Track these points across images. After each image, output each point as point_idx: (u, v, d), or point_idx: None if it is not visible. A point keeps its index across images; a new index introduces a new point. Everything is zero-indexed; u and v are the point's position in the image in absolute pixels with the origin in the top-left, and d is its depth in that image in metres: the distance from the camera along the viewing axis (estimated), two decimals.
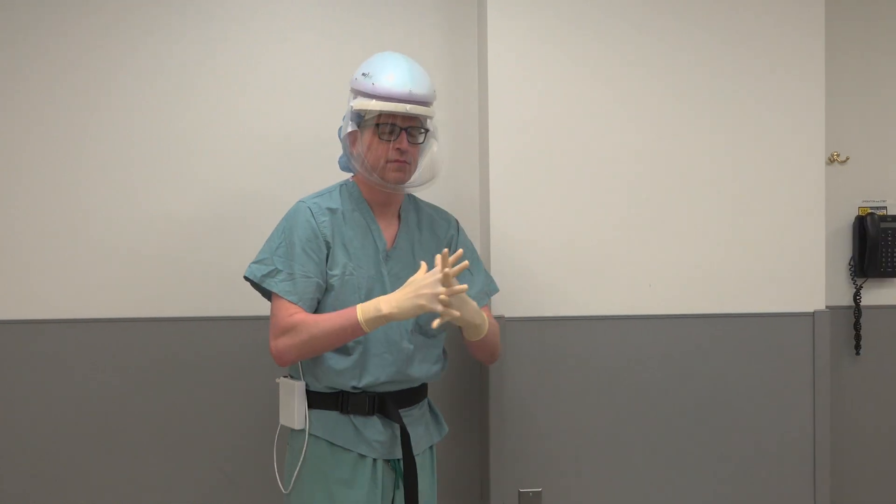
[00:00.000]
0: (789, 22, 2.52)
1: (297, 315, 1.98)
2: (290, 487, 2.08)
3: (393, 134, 2.03)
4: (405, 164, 2.05)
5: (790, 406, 2.52)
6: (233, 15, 2.55)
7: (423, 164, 2.11)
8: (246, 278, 2.06)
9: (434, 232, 2.20)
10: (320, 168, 2.39)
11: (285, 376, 2.13)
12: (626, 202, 2.49)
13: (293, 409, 2.06)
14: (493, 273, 2.42)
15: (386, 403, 2.06)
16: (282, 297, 2.00)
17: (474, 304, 2.02)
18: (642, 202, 2.49)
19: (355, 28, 2.58)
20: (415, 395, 2.13)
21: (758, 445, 2.52)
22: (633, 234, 2.49)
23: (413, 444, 2.08)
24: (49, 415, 2.49)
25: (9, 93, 2.49)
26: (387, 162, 2.03)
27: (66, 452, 2.50)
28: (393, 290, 2.03)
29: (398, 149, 2.03)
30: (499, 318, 2.42)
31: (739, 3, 2.50)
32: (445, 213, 2.28)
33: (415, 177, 2.09)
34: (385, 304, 1.92)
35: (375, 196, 2.11)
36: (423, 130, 2.09)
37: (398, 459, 2.07)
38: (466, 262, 1.93)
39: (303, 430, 2.06)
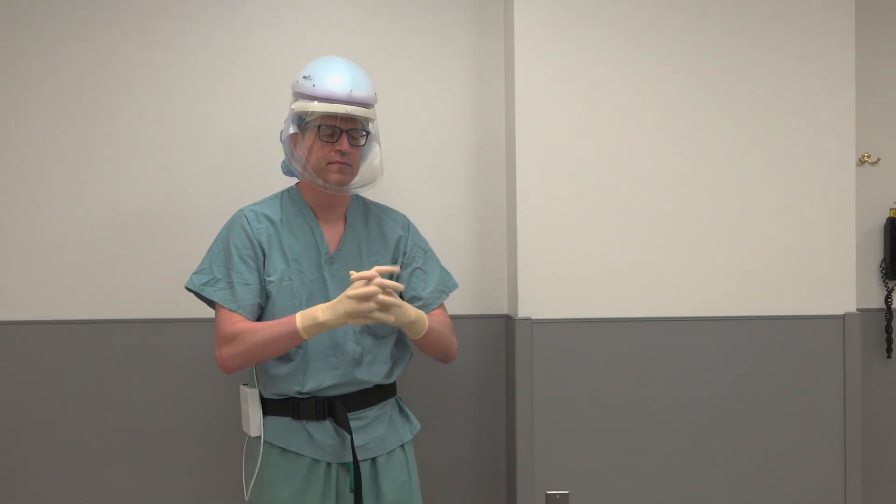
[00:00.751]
0: (819, 23, 2.49)
1: (238, 324, 2.00)
2: (248, 494, 2.11)
3: (334, 136, 2.05)
4: (346, 166, 2.07)
5: (820, 409, 2.50)
6: (252, 16, 2.57)
7: (364, 166, 2.14)
8: (188, 288, 2.08)
9: (382, 232, 2.20)
10: None
11: (245, 384, 2.15)
12: (653, 203, 2.48)
13: (249, 417, 2.09)
14: (521, 274, 2.43)
15: (335, 407, 2.06)
16: (223, 307, 2.03)
17: (406, 305, 2.02)
18: (669, 203, 2.48)
19: (376, 29, 2.59)
20: (369, 396, 2.12)
21: (787, 449, 2.50)
22: (660, 235, 2.48)
23: (371, 446, 2.09)
24: (53, 417, 2.53)
25: None
26: (328, 164, 2.05)
27: (78, 453, 2.54)
28: (336, 292, 2.05)
29: (339, 151, 2.05)
30: (525, 320, 2.43)
31: (770, 6, 2.48)
32: (395, 212, 2.28)
33: (356, 179, 2.11)
34: (321, 311, 1.94)
35: (318, 199, 2.13)
36: (364, 133, 2.10)
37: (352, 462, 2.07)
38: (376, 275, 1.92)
39: (258, 437, 2.08)
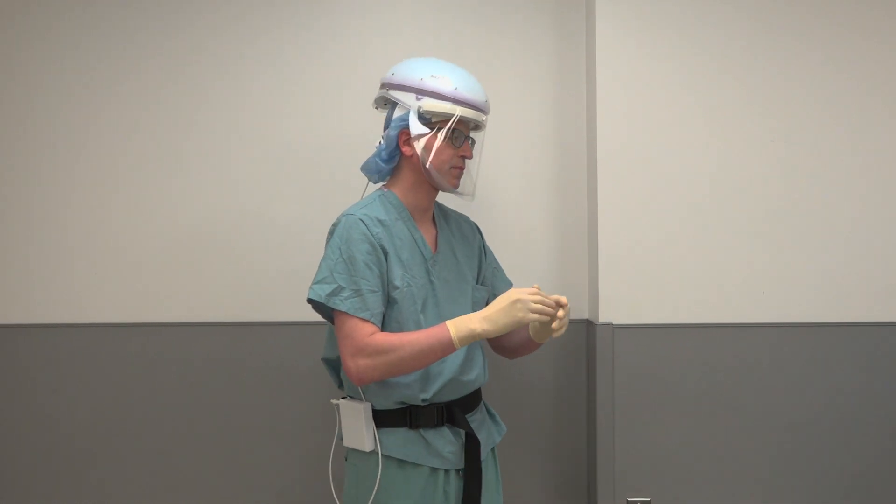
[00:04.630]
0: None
1: (378, 335, 1.91)
2: None
3: (458, 140, 2.05)
4: (463, 172, 2.09)
5: None
6: (338, 16, 2.61)
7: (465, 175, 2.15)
8: (310, 300, 1.96)
9: (463, 234, 2.22)
10: None
11: (343, 398, 2.06)
12: (736, 208, 2.44)
13: (361, 431, 1.99)
14: (602, 278, 2.43)
15: (454, 412, 2.03)
16: (353, 316, 1.91)
17: None
18: (755, 206, 2.44)
19: (455, 30, 2.61)
20: (474, 399, 2.12)
21: (879, 461, 2.42)
22: (745, 239, 2.44)
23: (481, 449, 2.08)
24: (103, 420, 2.59)
25: (66, 99, 2.61)
26: (451, 168, 2.05)
27: (118, 463, 2.60)
28: (442, 295, 2.05)
29: (462, 156, 2.06)
30: (606, 325, 2.41)
31: (851, 21, 2.44)
32: (465, 216, 2.30)
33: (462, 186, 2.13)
34: (478, 322, 1.90)
35: (419, 202, 2.10)
36: (473, 142, 2.14)
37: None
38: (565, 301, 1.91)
39: (374, 452, 1.99)
